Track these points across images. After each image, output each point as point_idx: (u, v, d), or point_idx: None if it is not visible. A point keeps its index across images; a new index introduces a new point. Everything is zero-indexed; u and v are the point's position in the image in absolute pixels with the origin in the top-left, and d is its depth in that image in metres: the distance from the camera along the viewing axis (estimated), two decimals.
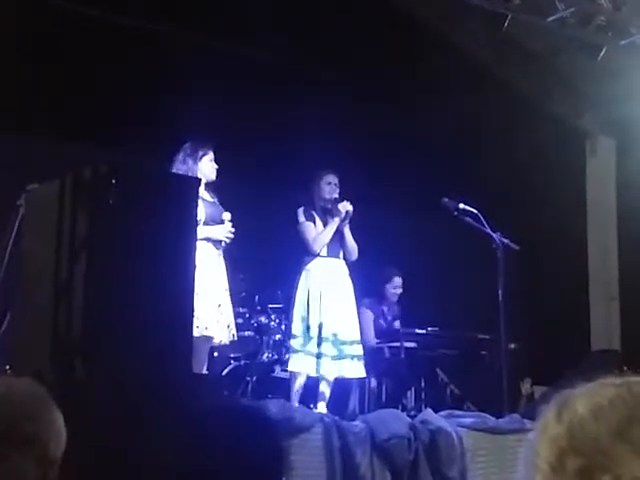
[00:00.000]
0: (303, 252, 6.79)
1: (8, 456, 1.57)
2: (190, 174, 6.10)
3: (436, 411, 6.08)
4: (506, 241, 6.91)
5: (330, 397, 6.69)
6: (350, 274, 6.87)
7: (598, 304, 9.78)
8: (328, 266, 6.77)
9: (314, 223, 6.78)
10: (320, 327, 6.54)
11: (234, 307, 6.50)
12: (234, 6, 7.99)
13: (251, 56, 8.30)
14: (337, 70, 8.56)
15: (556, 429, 1.25)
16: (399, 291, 8.46)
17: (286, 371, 6.96)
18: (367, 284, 8.35)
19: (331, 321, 6.57)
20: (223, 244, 6.30)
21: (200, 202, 5.79)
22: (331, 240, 6.76)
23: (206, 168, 6.35)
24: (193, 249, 5.01)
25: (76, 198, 4.69)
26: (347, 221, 6.79)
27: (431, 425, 5.71)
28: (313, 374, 6.56)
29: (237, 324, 6.57)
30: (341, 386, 7.71)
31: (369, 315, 8.24)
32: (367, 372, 7.91)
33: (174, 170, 6.17)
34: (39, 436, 1.60)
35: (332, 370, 6.58)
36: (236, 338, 6.32)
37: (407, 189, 9.21)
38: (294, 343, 6.60)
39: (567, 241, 9.70)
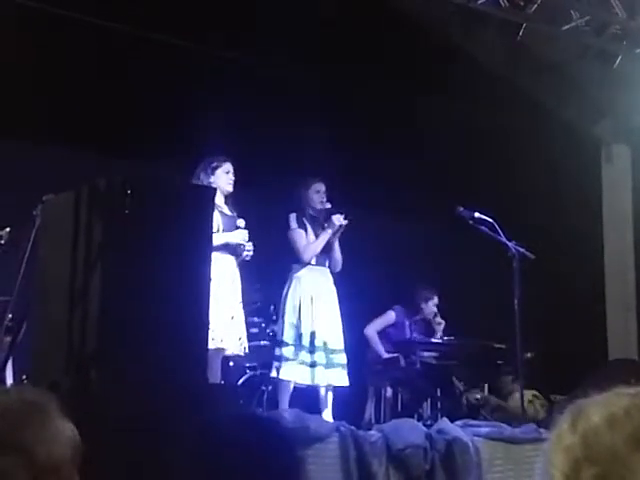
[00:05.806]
0: (291, 259, 6.76)
1: None
2: None
3: (452, 420, 6.06)
4: (522, 250, 6.90)
5: (334, 405, 6.66)
6: (335, 282, 6.84)
7: (615, 313, 9.71)
8: (317, 274, 6.74)
9: (305, 231, 6.74)
10: (312, 335, 6.52)
11: (250, 317, 6.49)
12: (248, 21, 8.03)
13: (269, 68, 8.30)
14: (350, 81, 8.55)
15: (571, 439, 1.24)
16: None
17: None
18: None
19: (322, 329, 6.56)
20: (239, 259, 6.28)
21: (217, 213, 5.79)
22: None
23: (221, 180, 6.28)
24: (208, 258, 5.01)
25: (91, 208, 4.70)
26: (339, 234, 6.76)
27: (447, 435, 5.69)
28: (307, 382, 6.53)
29: (253, 334, 6.57)
30: (357, 395, 7.69)
31: (392, 319, 8.18)
32: (382, 381, 7.94)
33: None
34: (25, 443, 1.57)
35: (324, 378, 6.55)
36: (247, 351, 6.32)
37: (422, 197, 9.20)
38: (286, 351, 6.56)
39: (583, 249, 9.65)
